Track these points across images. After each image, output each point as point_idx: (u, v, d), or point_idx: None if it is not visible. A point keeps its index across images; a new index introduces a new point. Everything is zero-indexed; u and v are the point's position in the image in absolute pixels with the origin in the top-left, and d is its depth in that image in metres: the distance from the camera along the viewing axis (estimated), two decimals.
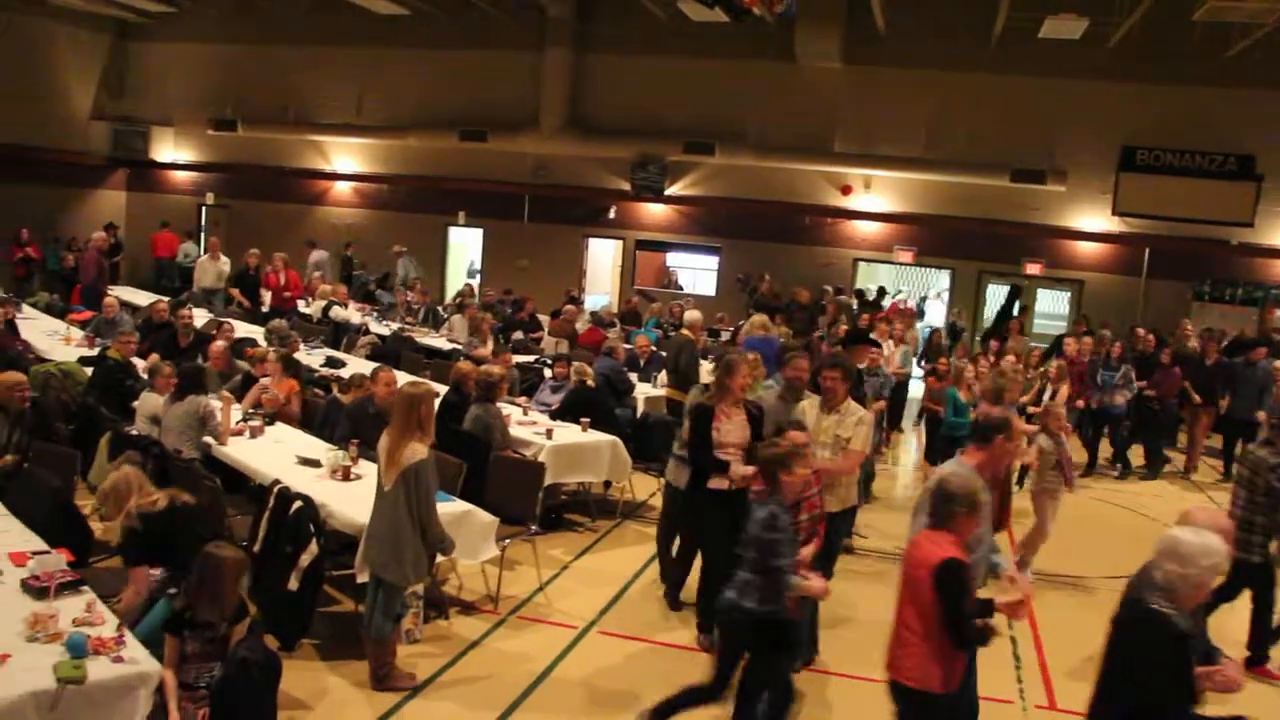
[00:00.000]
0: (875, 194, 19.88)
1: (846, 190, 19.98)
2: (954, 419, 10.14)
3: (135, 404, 9.19)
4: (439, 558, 6.40)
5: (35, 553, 5.36)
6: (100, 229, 19.03)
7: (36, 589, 4.93)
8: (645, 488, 10.58)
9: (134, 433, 8.26)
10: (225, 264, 17.61)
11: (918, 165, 19.17)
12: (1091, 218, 18.82)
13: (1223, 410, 13.43)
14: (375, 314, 16.74)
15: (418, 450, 5.83)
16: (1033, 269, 19.38)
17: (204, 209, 24.61)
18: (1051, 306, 20.66)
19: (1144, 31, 16.43)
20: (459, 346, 14.16)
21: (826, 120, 19.69)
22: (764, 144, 19.87)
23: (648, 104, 20.54)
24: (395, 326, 15.72)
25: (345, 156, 23.09)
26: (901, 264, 20.84)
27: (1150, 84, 17.74)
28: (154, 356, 10.60)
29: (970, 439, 5.51)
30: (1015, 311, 17.62)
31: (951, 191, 19.22)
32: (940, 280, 22.10)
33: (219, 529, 6.41)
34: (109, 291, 15.82)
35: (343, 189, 23.40)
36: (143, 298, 16.17)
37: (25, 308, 14.31)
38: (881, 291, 20.05)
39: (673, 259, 22.82)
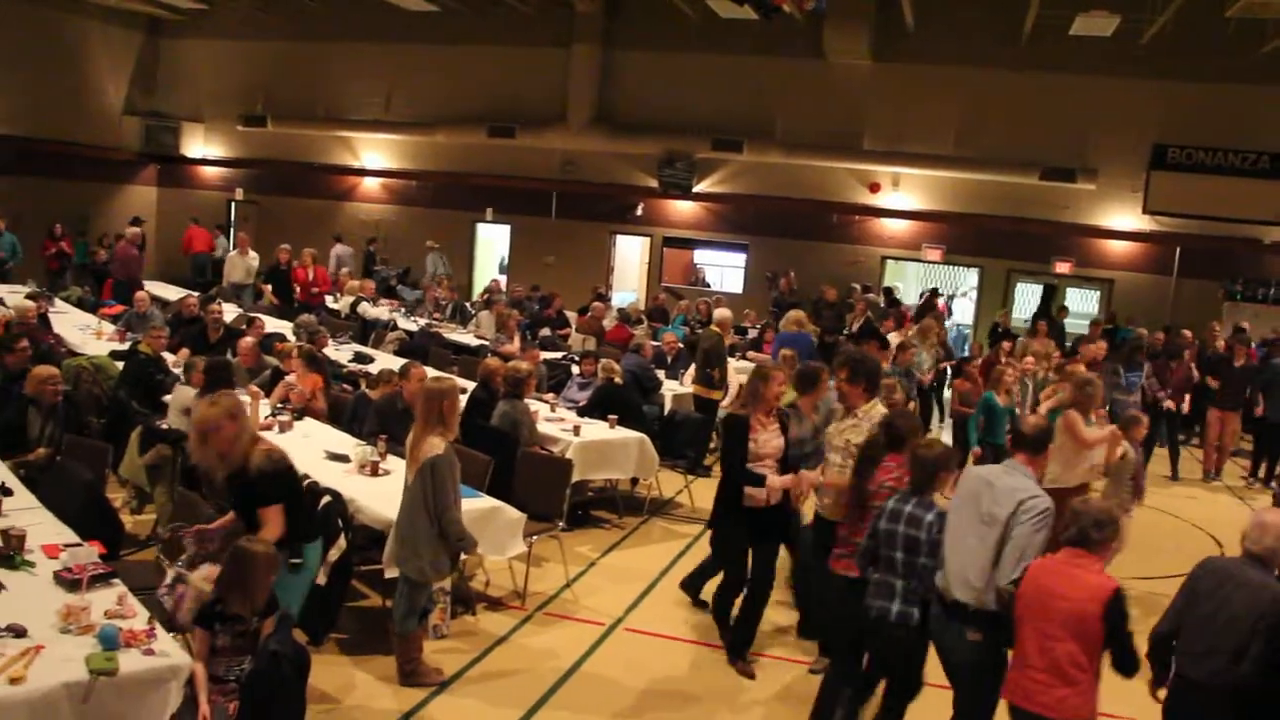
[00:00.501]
0: (904, 192, 19.79)
1: (875, 188, 19.90)
2: (981, 430, 9.83)
3: (166, 398, 9.27)
4: (464, 555, 6.40)
5: (67, 545, 5.39)
6: (128, 224, 19.14)
7: (69, 581, 4.95)
8: (672, 485, 10.57)
9: (164, 426, 8.30)
10: (254, 259, 17.77)
11: (947, 163, 19.05)
12: (1122, 216, 18.66)
13: (1258, 413, 13.25)
14: (403, 310, 16.79)
15: (435, 444, 5.85)
16: (1062, 268, 19.24)
17: (233, 204, 24.77)
18: (1080, 306, 20.49)
19: (1177, 28, 16.28)
20: (486, 342, 14.18)
21: (855, 117, 19.62)
22: (792, 141, 19.80)
23: (676, 101, 20.50)
24: (423, 322, 15.76)
25: (374, 152, 23.19)
26: (930, 262, 20.75)
27: (1182, 81, 17.55)
28: (185, 351, 10.70)
29: (1024, 447, 5.20)
30: (1053, 311, 17.42)
31: (981, 189, 19.09)
32: (969, 279, 21.97)
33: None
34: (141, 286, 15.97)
35: (371, 185, 23.49)
36: (173, 292, 16.28)
37: (58, 302, 14.42)
38: (934, 293, 19.79)
39: (700, 256, 22.83)
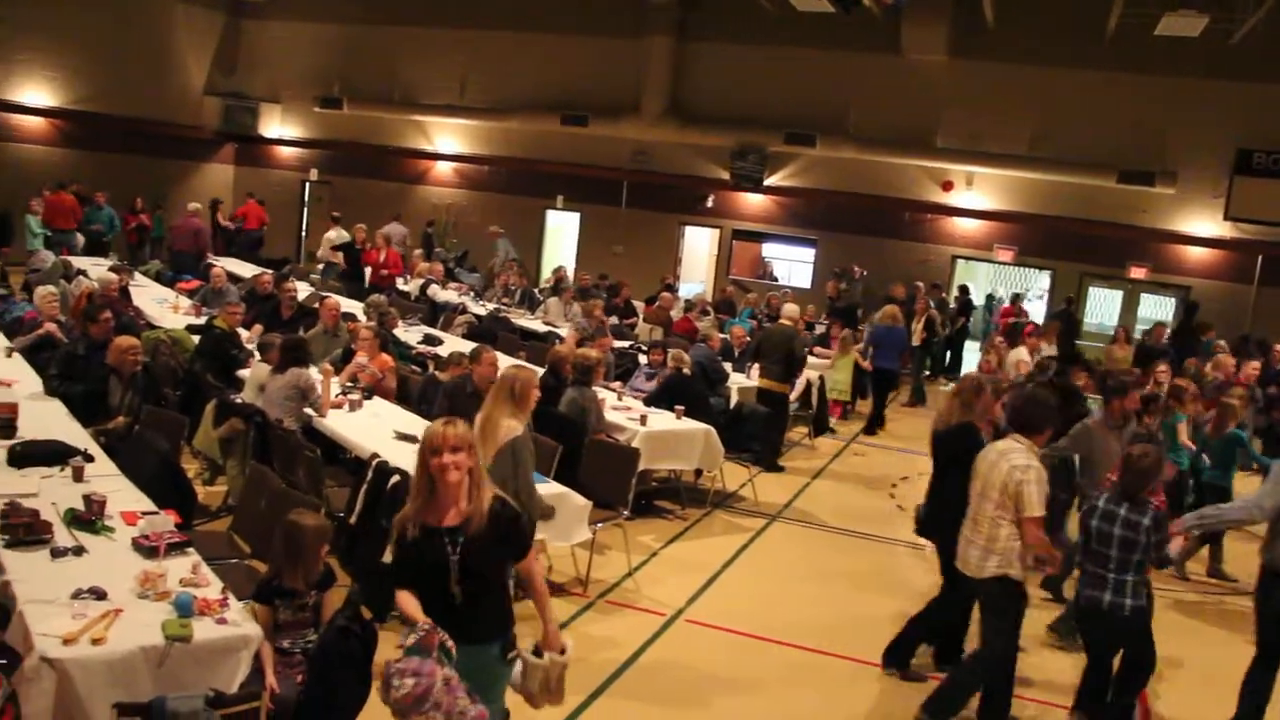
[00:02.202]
0: (977, 191, 19.52)
1: (948, 186, 19.66)
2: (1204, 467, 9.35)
3: (240, 373, 9.43)
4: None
5: (145, 513, 5.51)
6: (193, 202, 19.48)
7: (146, 548, 5.06)
8: (736, 478, 10.54)
9: (238, 400, 8.44)
10: (335, 235, 18.27)
11: (1022, 163, 18.74)
12: (1201, 222, 18.24)
13: None
14: (472, 294, 16.91)
15: (513, 427, 5.88)
16: (1137, 273, 18.87)
17: (307, 185, 25.09)
18: (1154, 313, 20.09)
19: (1268, 29, 15.88)
20: (554, 328, 14.24)
21: (930, 114, 19.38)
22: (865, 137, 19.62)
23: (749, 93, 20.41)
24: (492, 307, 15.86)
25: (447, 137, 23.36)
26: (1001, 263, 20.47)
27: (1271, 84, 17.10)
28: (258, 327, 10.88)
29: None
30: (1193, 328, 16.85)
31: (1056, 190, 18.76)
32: (1040, 281, 21.65)
33: None
34: (212, 261, 16.24)
35: (443, 169, 23.68)
36: (247, 269, 16.53)
37: (138, 275, 14.70)
38: (1016, 298, 19.43)
39: (769, 249, 22.73)
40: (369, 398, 8.89)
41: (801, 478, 11.32)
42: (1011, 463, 5.56)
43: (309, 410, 8.20)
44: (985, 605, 5.83)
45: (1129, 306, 19.67)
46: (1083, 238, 18.78)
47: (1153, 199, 18.28)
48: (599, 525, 7.46)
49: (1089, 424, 7.88)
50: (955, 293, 19.20)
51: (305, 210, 24.72)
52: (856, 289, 19.15)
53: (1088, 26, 17.55)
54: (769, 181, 20.68)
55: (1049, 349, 13.91)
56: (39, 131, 21.06)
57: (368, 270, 17.24)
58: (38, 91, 20.77)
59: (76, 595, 4.48)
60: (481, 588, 4.17)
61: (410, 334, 12.70)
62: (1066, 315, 17.94)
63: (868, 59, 19.48)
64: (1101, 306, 20.62)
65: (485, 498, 4.16)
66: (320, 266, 18.76)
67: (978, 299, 21.37)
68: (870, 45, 19.14)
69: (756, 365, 11.91)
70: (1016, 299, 19.28)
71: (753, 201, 21.18)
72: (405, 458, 7.09)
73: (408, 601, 4.08)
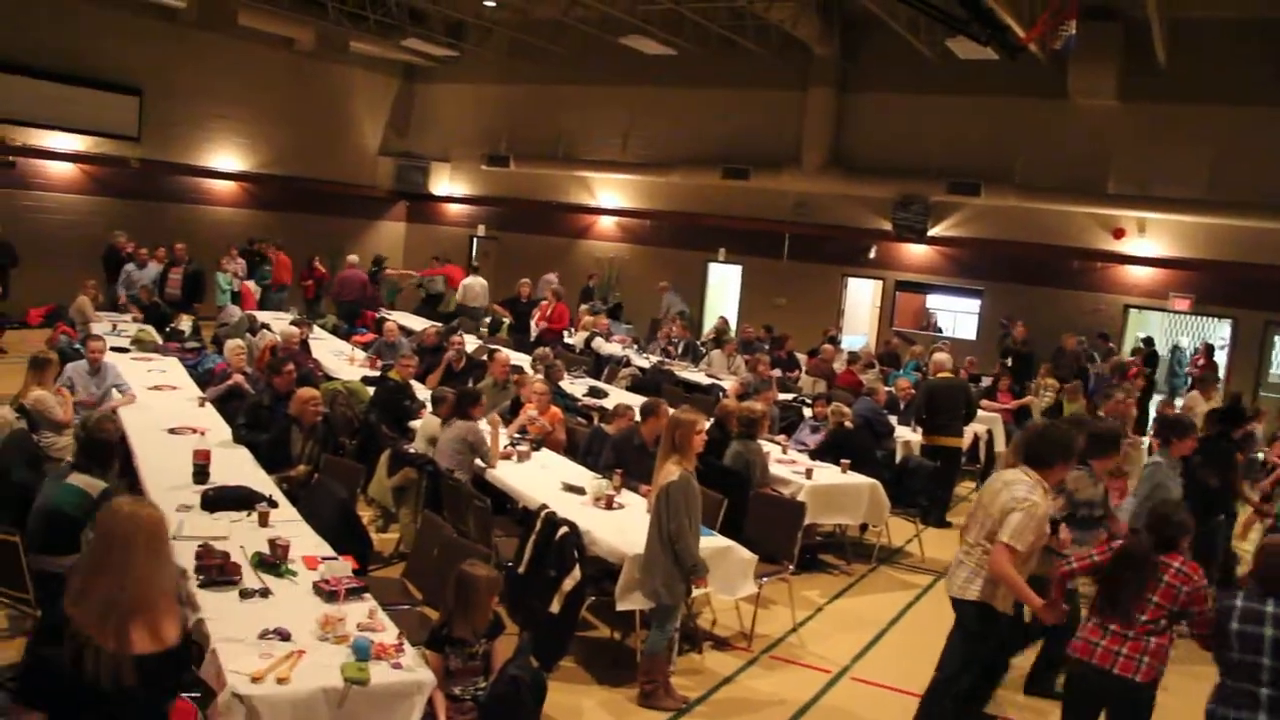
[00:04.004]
0: (1150, 238, 18.76)
1: (1119, 233, 18.97)
2: None
3: (412, 423, 9.72)
4: (695, 590, 6.41)
5: (325, 558, 5.72)
6: (352, 255, 20.30)
7: (327, 592, 5.24)
8: (902, 533, 10.33)
9: (411, 450, 8.69)
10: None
11: (1198, 207, 17.91)
12: None
13: None
14: (636, 346, 17.09)
15: (670, 471, 5.97)
16: None
17: (475, 240, 25.85)
18: None
19: None
20: (719, 381, 14.26)
21: (1099, 160, 18.76)
22: (1031, 184, 19.12)
23: (911, 143, 20.20)
24: (655, 359, 15.99)
25: (610, 192, 23.78)
26: (1177, 312, 19.60)
27: None
28: (432, 378, 11.22)
29: None
30: None
31: (1236, 235, 17.85)
32: (1220, 331, 20.68)
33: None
34: (385, 315, 16.84)
35: (606, 223, 24.09)
36: (418, 323, 17.08)
37: (315, 328, 15.33)
38: (1210, 350, 18.66)
39: (933, 301, 22.34)
40: (537, 449, 9.05)
41: None
42: (1013, 493, 5.45)
43: (479, 461, 8.38)
44: (959, 627, 5.75)
45: None
46: (1267, 284, 17.82)
47: None
48: (764, 579, 7.39)
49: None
50: (1137, 343, 18.48)
51: (473, 265, 25.40)
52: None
53: (1266, 60, 16.80)
54: (932, 232, 20.36)
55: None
56: (229, 194, 22.36)
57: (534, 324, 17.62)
58: (229, 157, 22.08)
59: (263, 635, 4.68)
60: None
61: (575, 386, 12.89)
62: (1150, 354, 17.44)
63: (1033, 105, 19.06)
64: None
65: None
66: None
67: (1161, 349, 20.51)
68: (1035, 90, 18.71)
69: (919, 422, 11.61)
70: (1210, 350, 18.44)
71: (916, 252, 20.88)
72: (572, 509, 7.20)
73: None
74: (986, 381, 15.76)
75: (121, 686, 3.24)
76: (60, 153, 19.16)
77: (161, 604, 3.42)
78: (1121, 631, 4.98)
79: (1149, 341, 18.54)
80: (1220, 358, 19.59)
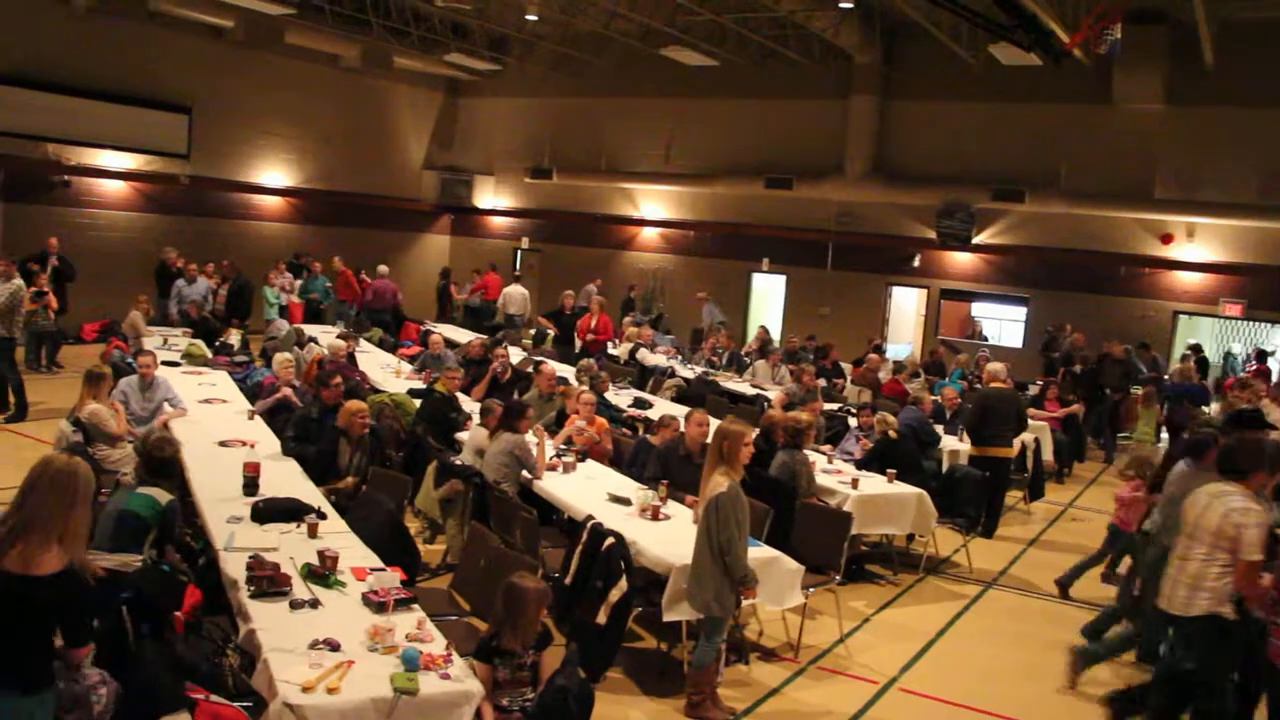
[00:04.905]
0: (1199, 243, 18.53)
1: (1167, 239, 18.74)
2: None
3: (459, 435, 9.78)
4: (744, 601, 6.40)
5: (373, 569, 5.76)
6: (382, 265, 20.54)
7: (376, 603, 5.28)
8: (949, 543, 10.25)
9: (458, 463, 8.73)
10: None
11: (1249, 211, 17.64)
12: None
13: None
14: (680, 357, 17.11)
15: (719, 482, 5.96)
16: None
17: (518, 252, 26.00)
18: None
19: None
20: (763, 391, 14.23)
21: (1145, 165, 18.52)
22: (1077, 191, 18.96)
23: (955, 150, 20.10)
24: (699, 370, 15.99)
25: (653, 203, 23.84)
26: (1228, 318, 19.31)
27: None
28: (478, 390, 11.28)
29: None
30: None
31: None
32: (1274, 337, 20.36)
33: None
34: (430, 328, 16.94)
35: (649, 234, 24.14)
36: (463, 335, 17.18)
37: (362, 342, 15.45)
38: (1262, 355, 18.34)
39: (978, 309, 22.18)
40: (583, 460, 9.07)
41: (1017, 544, 10.91)
42: (1229, 505, 5.45)
43: (525, 473, 8.41)
44: (1193, 644, 5.64)
45: None
46: None
47: None
48: (811, 590, 7.36)
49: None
50: (1185, 350, 18.23)
51: (515, 275, 25.55)
52: (1063, 344, 18.42)
53: None
54: (977, 239, 20.23)
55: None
56: (277, 210, 22.65)
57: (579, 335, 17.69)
58: (276, 173, 22.37)
59: (313, 645, 4.73)
60: None
61: (620, 397, 12.92)
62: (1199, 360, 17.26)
63: (1078, 110, 18.90)
64: None
65: None
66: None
67: (1213, 356, 20.21)
68: (1080, 96, 18.57)
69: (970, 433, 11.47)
70: (1262, 356, 18.16)
71: (960, 260, 20.75)
72: (618, 520, 7.21)
73: None
74: (1033, 390, 15.62)
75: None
76: (113, 171, 19.53)
77: (37, 538, 3.88)
78: None
79: (1197, 348, 18.26)
80: (1273, 363, 19.31)
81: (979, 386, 13.70)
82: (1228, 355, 21.76)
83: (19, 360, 13.24)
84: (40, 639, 3.95)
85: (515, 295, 19.85)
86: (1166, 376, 16.38)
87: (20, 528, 3.89)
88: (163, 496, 6.20)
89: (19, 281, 12.92)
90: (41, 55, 18.06)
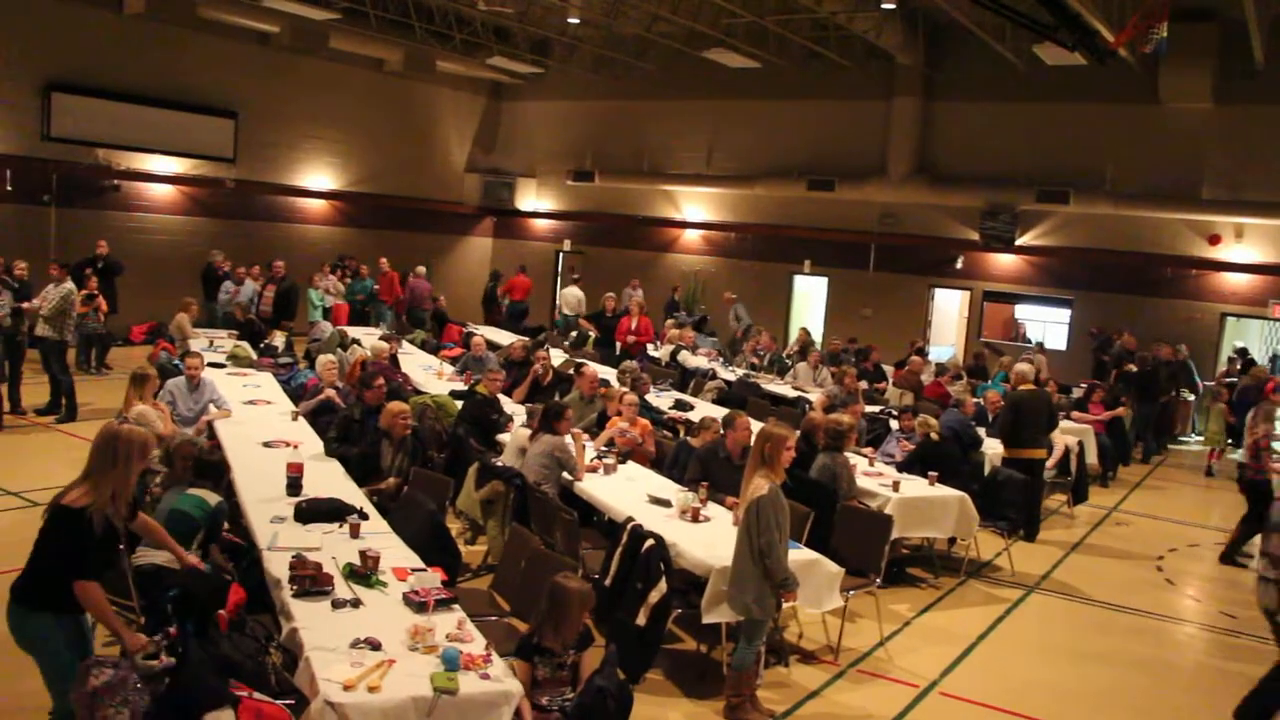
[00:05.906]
0: (1247, 244, 18.25)
1: (1215, 240, 18.47)
2: None
3: (500, 437, 9.83)
4: (784, 604, 6.39)
5: (414, 569, 5.81)
6: (420, 266, 20.78)
7: (416, 603, 5.32)
8: (991, 546, 10.16)
9: (499, 464, 8.78)
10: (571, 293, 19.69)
11: None
12: None
13: None
14: (721, 359, 17.09)
15: (759, 485, 5.96)
16: None
17: (560, 254, 26.09)
18: None
19: None
20: (804, 393, 14.19)
21: (1193, 165, 18.27)
22: (1122, 191, 18.74)
23: (998, 151, 19.93)
24: (741, 372, 15.96)
25: (695, 205, 23.83)
26: (1278, 320, 19.02)
27: None
28: (519, 392, 11.33)
29: None
30: None
31: None
32: None
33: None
34: (473, 330, 17.04)
35: (691, 236, 24.13)
36: (506, 337, 17.26)
37: (405, 343, 15.56)
38: None
39: (1021, 311, 21.98)
40: (624, 461, 9.09)
41: (1059, 548, 10.81)
42: None
43: (566, 475, 8.45)
44: None
45: None
46: None
47: None
48: (851, 592, 7.34)
49: None
50: (1232, 353, 17.99)
51: (559, 280, 25.69)
52: (1115, 346, 18.22)
53: None
54: (1021, 241, 20.06)
55: None
56: (321, 213, 22.87)
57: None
58: (320, 176, 22.59)
59: (354, 644, 4.78)
60: None
61: (661, 399, 12.93)
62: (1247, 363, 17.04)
63: (1124, 110, 18.68)
64: None
65: None
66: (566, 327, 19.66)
67: (1260, 359, 19.90)
68: (1126, 96, 18.36)
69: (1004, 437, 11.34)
70: None
71: (1004, 261, 20.57)
72: (658, 522, 7.22)
73: None
74: (1077, 393, 15.48)
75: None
76: (161, 175, 19.80)
77: (80, 480, 4.79)
78: None
79: (1243, 351, 17.99)
80: None
81: (1017, 391, 13.57)
82: (1274, 358, 21.42)
83: (69, 362, 13.47)
84: (37, 560, 4.70)
85: (570, 297, 20.05)
86: (1235, 380, 16.16)
87: (82, 473, 4.81)
88: (211, 498, 6.38)
89: (70, 285, 13.19)
90: (92, 62, 18.37)
